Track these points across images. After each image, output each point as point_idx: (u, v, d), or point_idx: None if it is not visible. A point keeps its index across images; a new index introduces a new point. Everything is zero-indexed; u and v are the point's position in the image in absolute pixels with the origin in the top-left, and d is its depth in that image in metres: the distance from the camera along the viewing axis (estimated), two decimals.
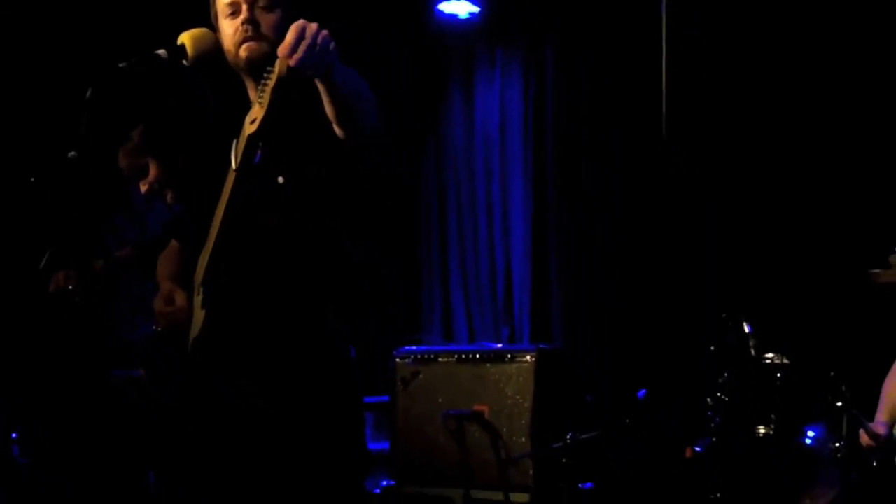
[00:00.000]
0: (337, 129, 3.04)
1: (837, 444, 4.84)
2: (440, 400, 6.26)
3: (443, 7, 7.43)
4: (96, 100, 2.97)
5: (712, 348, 5.19)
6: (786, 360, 5.01)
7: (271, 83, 2.87)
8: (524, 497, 5.99)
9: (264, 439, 3.17)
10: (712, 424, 5.03)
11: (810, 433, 4.95)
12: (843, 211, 6.12)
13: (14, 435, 5.29)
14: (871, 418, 4.96)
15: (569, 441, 5.60)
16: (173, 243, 3.66)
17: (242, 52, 3.16)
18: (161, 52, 3.07)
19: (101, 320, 5.15)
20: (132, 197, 5.09)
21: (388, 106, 3.25)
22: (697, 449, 5.05)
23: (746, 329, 5.09)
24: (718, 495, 5.03)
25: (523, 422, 6.05)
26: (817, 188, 6.24)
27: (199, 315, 3.24)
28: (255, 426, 3.19)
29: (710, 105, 6.58)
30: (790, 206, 6.30)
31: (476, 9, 7.46)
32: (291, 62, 2.75)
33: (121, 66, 2.99)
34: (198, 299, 3.25)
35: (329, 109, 2.98)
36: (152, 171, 4.36)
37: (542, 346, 6.41)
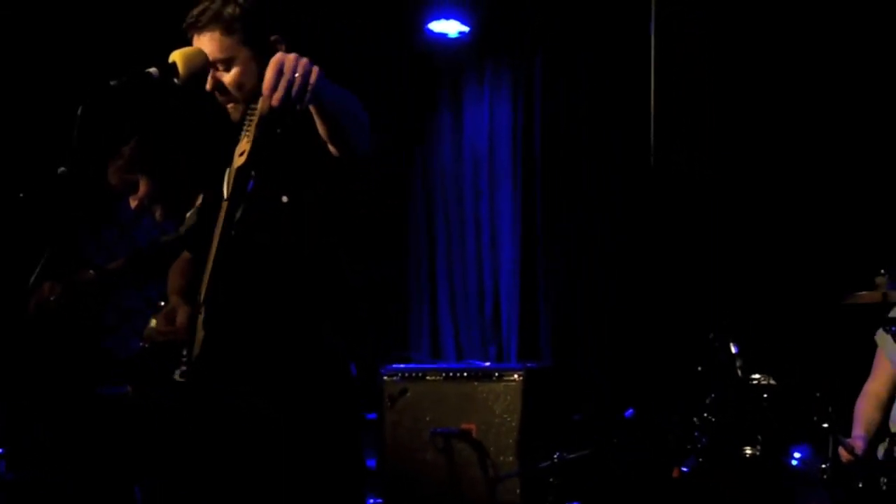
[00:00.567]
0: (331, 149, 3.06)
1: (824, 465, 4.84)
2: (428, 418, 6.26)
3: (433, 26, 7.44)
4: (87, 117, 2.97)
5: (699, 369, 5.20)
6: (772, 381, 5.02)
7: (255, 119, 2.89)
8: None
9: (262, 451, 3.18)
10: (699, 445, 5.04)
11: (797, 454, 4.95)
12: (829, 233, 6.14)
13: (1, 450, 5.28)
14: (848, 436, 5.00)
15: (556, 460, 5.59)
16: (185, 254, 3.68)
17: (231, 114, 3.23)
18: (152, 69, 3.07)
19: (86, 334, 5.14)
20: (120, 212, 5.09)
21: (380, 121, 3.26)
22: (684, 469, 5.05)
23: (733, 349, 5.10)
24: None
25: (511, 440, 6.06)
26: (803, 210, 6.27)
27: (199, 334, 3.25)
28: (253, 437, 3.20)
29: (697, 129, 6.61)
30: (777, 228, 6.33)
31: (466, 28, 7.48)
32: (273, 101, 2.75)
33: (112, 83, 2.99)
34: (199, 318, 3.26)
35: (322, 130, 2.99)
36: (142, 187, 4.36)
37: (529, 364, 6.42)
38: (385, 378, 6.39)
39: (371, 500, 6.36)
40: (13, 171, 5.89)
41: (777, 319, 6.05)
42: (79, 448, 4.63)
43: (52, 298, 4.08)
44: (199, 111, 3.59)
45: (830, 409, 4.99)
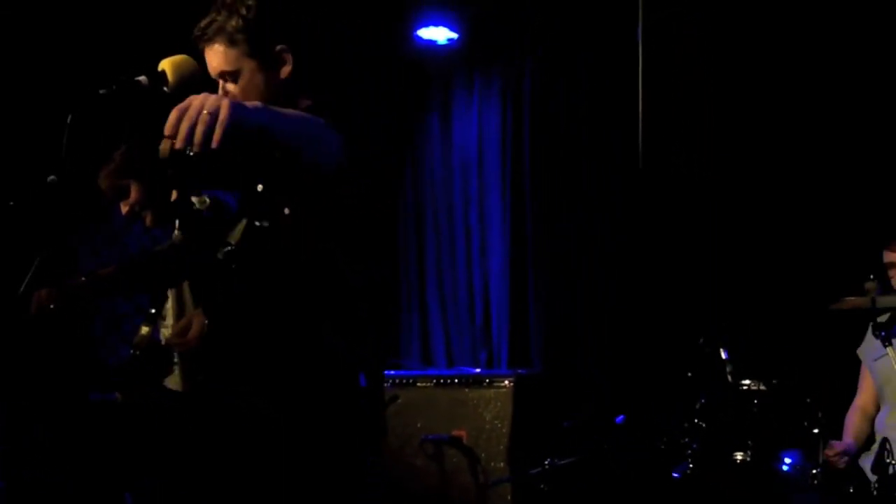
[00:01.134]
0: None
1: (814, 470, 4.86)
2: (418, 424, 6.26)
3: (421, 33, 7.45)
4: (76, 125, 2.97)
5: (690, 374, 5.21)
6: (762, 387, 5.03)
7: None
8: None
9: (261, 452, 3.19)
10: (690, 450, 5.04)
11: (787, 459, 4.97)
12: (818, 239, 6.15)
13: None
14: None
15: (547, 466, 5.60)
16: None
17: None
18: (142, 78, 3.07)
19: (79, 340, 5.15)
20: (112, 218, 5.09)
21: (369, 128, 3.27)
22: (675, 475, 5.06)
23: (723, 355, 5.11)
24: None
25: (501, 447, 6.06)
26: (792, 216, 6.28)
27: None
28: (252, 438, 3.20)
29: (686, 134, 6.63)
30: (766, 233, 6.34)
31: (454, 35, 7.48)
32: (176, 145, 2.72)
33: (101, 91, 2.99)
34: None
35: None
36: (133, 192, 4.35)
37: (520, 370, 6.42)
38: None
39: None
40: (3, 180, 5.89)
41: (767, 325, 6.06)
42: (70, 452, 4.64)
43: (49, 305, 4.09)
44: None
45: (820, 415, 5.02)
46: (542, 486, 5.67)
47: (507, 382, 6.18)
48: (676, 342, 5.93)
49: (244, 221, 3.25)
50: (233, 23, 3.24)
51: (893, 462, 4.67)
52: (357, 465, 3.29)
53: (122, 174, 4.36)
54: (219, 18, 3.25)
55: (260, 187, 3.25)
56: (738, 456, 4.97)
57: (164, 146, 2.76)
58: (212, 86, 3.33)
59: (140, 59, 3.27)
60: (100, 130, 3.09)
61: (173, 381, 4.43)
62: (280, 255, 3.22)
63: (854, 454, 5.21)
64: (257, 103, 2.86)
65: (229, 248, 3.25)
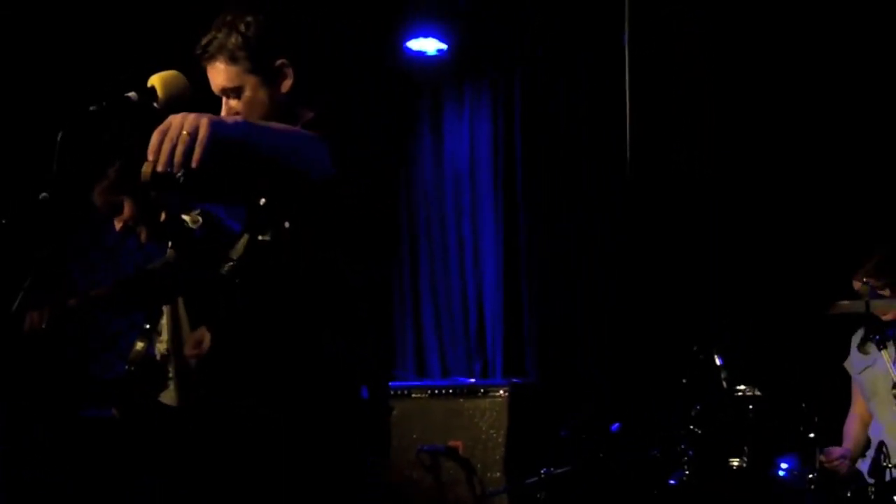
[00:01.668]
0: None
1: (811, 476, 4.86)
2: (414, 435, 6.25)
3: (411, 44, 7.46)
4: (67, 142, 2.97)
5: (685, 381, 5.21)
6: (757, 392, 5.04)
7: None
8: None
9: (262, 462, 3.20)
10: (685, 457, 5.04)
11: (783, 464, 4.97)
12: (812, 244, 6.17)
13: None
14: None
15: (543, 476, 5.59)
16: None
17: None
18: (132, 94, 3.07)
19: (74, 359, 5.14)
20: (105, 235, 5.09)
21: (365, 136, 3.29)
22: (671, 482, 5.06)
23: (718, 361, 5.11)
24: None
25: (497, 456, 6.06)
26: (786, 221, 6.29)
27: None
28: (253, 448, 3.21)
29: (675, 143, 6.65)
30: (759, 239, 6.35)
31: (444, 46, 7.49)
32: (158, 167, 2.72)
33: (91, 108, 2.99)
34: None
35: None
36: (127, 208, 4.36)
37: (515, 380, 6.42)
38: None
39: None
40: None
41: (761, 330, 6.06)
42: (64, 470, 4.66)
43: (43, 326, 4.09)
44: None
45: (816, 419, 5.02)
46: (538, 495, 5.67)
47: (502, 392, 6.19)
48: (671, 349, 5.92)
49: (246, 236, 3.27)
50: (233, 40, 3.25)
51: (890, 465, 4.67)
52: (358, 473, 3.29)
53: (116, 190, 4.37)
54: (219, 36, 3.27)
55: (262, 201, 3.27)
56: (735, 462, 4.97)
57: (146, 169, 2.76)
58: (204, 100, 3.34)
59: (130, 75, 3.28)
60: (91, 147, 3.09)
61: (168, 396, 4.44)
62: (282, 269, 3.24)
63: (852, 459, 5.22)
64: (238, 118, 2.88)
65: (232, 263, 3.26)
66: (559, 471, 5.60)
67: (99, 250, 5.14)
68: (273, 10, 3.32)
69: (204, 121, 2.67)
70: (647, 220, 6.59)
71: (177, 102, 3.08)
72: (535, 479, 5.62)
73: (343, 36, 6.84)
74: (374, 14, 7.17)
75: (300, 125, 3.23)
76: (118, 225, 4.47)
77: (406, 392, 6.40)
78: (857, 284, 5.11)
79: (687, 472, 5.04)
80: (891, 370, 4.75)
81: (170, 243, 3.57)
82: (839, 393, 5.55)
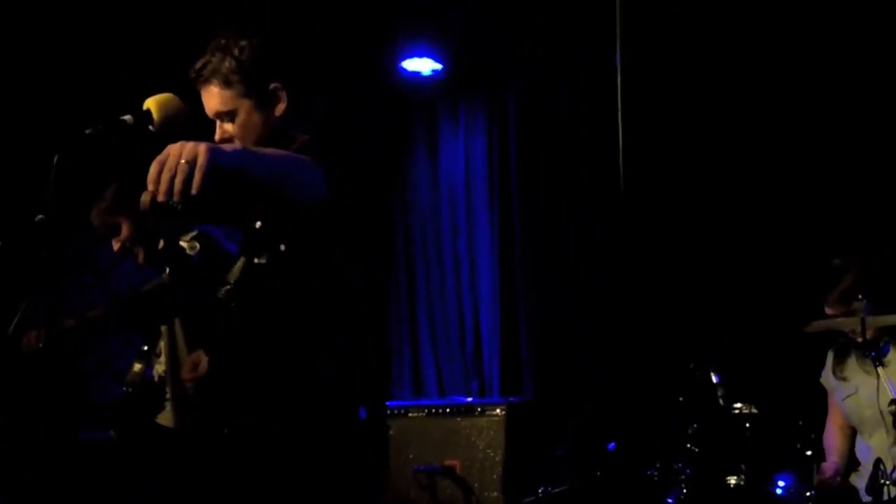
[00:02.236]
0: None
1: (808, 493, 4.86)
2: (411, 455, 6.25)
3: (406, 64, 7.48)
4: (63, 165, 2.97)
5: (681, 399, 5.21)
6: (754, 410, 5.04)
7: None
8: None
9: (260, 484, 3.20)
10: (683, 476, 5.04)
11: (781, 482, 4.97)
12: (807, 260, 6.16)
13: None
14: None
15: (541, 495, 5.59)
16: None
17: None
18: (127, 117, 3.08)
19: (70, 380, 5.14)
20: (100, 257, 5.09)
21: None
22: (669, 500, 5.05)
23: (714, 379, 5.11)
24: None
25: (495, 476, 6.05)
26: (781, 238, 6.30)
27: None
28: (251, 469, 3.22)
29: (669, 157, 6.66)
30: (756, 256, 6.35)
31: (439, 66, 7.51)
32: (158, 197, 2.73)
33: (87, 131, 3.00)
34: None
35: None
36: (124, 229, 4.37)
37: (512, 399, 6.42)
38: None
39: None
40: None
41: (757, 347, 6.06)
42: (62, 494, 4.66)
43: (40, 346, 4.10)
44: None
45: (813, 436, 5.02)
46: None
47: (499, 411, 6.18)
48: (667, 367, 5.93)
49: (242, 259, 3.28)
50: (227, 64, 3.27)
51: (888, 483, 4.67)
52: (356, 494, 3.29)
53: (113, 211, 4.38)
54: (213, 60, 3.29)
55: (258, 224, 3.28)
56: (732, 480, 4.97)
57: (145, 198, 2.77)
58: (199, 123, 3.35)
59: (126, 98, 3.29)
60: (86, 170, 3.10)
61: (165, 419, 4.43)
62: (278, 291, 3.24)
63: (843, 473, 5.21)
64: (237, 146, 2.90)
65: (228, 286, 3.27)
66: (557, 490, 5.59)
67: (93, 272, 5.14)
68: (267, 33, 3.34)
69: (202, 149, 2.68)
70: (642, 236, 6.59)
71: (172, 125, 3.09)
72: (533, 498, 5.61)
73: (337, 58, 6.87)
74: (369, 35, 7.19)
75: (295, 148, 3.24)
76: (116, 246, 4.48)
77: (403, 411, 6.40)
78: (829, 311, 5.10)
79: (685, 491, 5.03)
80: (887, 387, 4.75)
81: (167, 269, 3.58)
82: None
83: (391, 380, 7.74)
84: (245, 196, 2.99)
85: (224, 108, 3.29)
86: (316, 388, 3.22)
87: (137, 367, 4.47)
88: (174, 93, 3.13)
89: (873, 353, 4.85)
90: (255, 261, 3.24)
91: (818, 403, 5.29)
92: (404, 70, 7.53)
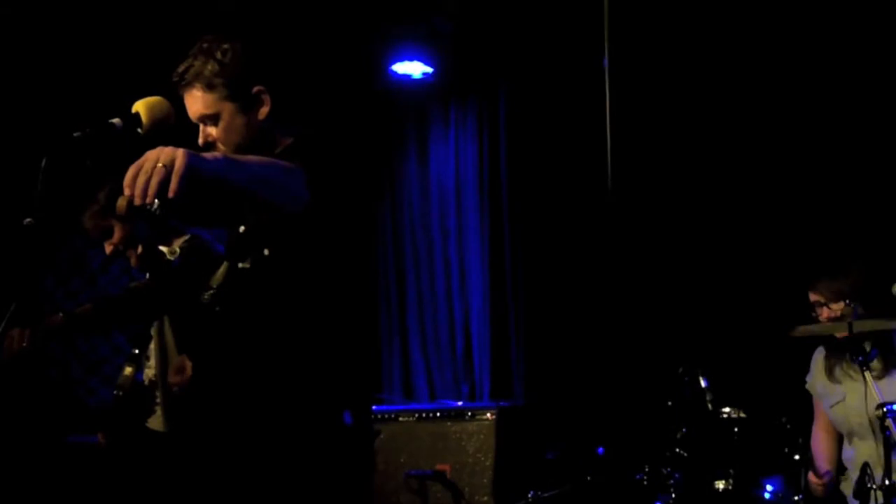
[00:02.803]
0: None
1: (796, 497, 4.86)
2: (402, 460, 6.24)
3: (396, 68, 7.48)
4: (51, 168, 2.97)
5: (670, 403, 5.21)
6: (742, 414, 5.04)
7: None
8: None
9: (245, 488, 3.20)
10: (671, 480, 5.04)
11: (769, 486, 4.97)
12: (796, 265, 6.17)
13: None
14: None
15: (531, 499, 5.59)
16: None
17: None
18: (116, 120, 3.08)
19: (57, 381, 5.13)
20: (88, 260, 5.09)
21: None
22: None
23: (703, 383, 5.12)
24: None
25: (485, 480, 6.05)
26: (770, 242, 6.31)
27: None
28: (234, 478, 3.22)
29: (656, 160, 6.67)
30: (743, 260, 6.36)
31: (429, 69, 7.51)
32: (136, 201, 2.73)
33: (75, 135, 3.00)
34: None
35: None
36: (116, 232, 4.37)
37: (502, 403, 6.42)
38: None
39: None
40: None
41: (745, 352, 6.06)
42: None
43: (24, 345, 4.09)
44: None
45: (801, 441, 5.02)
46: None
47: (489, 415, 6.18)
48: (656, 372, 5.93)
49: (226, 264, 3.28)
50: (210, 67, 3.27)
51: (875, 487, 4.67)
52: (342, 496, 3.29)
53: (105, 214, 4.38)
54: (196, 63, 3.28)
55: (242, 229, 3.28)
56: (720, 485, 4.97)
57: (121, 202, 2.77)
58: (187, 126, 3.35)
59: (114, 101, 3.29)
60: (75, 173, 3.10)
61: (156, 422, 4.43)
62: (262, 295, 3.24)
63: (833, 478, 5.21)
64: (217, 154, 2.88)
65: (212, 290, 3.27)
66: (547, 494, 5.59)
67: (81, 275, 5.14)
68: (250, 37, 3.34)
69: (179, 153, 2.67)
70: (631, 240, 6.59)
71: (161, 128, 3.09)
72: (523, 502, 5.62)
73: (326, 61, 6.86)
74: (359, 38, 7.19)
75: (278, 151, 3.25)
76: (108, 249, 4.48)
77: (393, 416, 6.40)
78: (813, 295, 5.09)
79: (673, 495, 5.04)
80: (874, 392, 4.74)
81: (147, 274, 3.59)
82: None
83: (381, 384, 7.74)
84: (227, 202, 2.99)
85: (207, 112, 3.29)
86: (300, 392, 3.22)
87: (128, 370, 4.47)
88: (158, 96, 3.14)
89: (860, 359, 4.84)
90: (239, 265, 3.24)
91: (806, 408, 5.29)
92: (395, 73, 7.53)
